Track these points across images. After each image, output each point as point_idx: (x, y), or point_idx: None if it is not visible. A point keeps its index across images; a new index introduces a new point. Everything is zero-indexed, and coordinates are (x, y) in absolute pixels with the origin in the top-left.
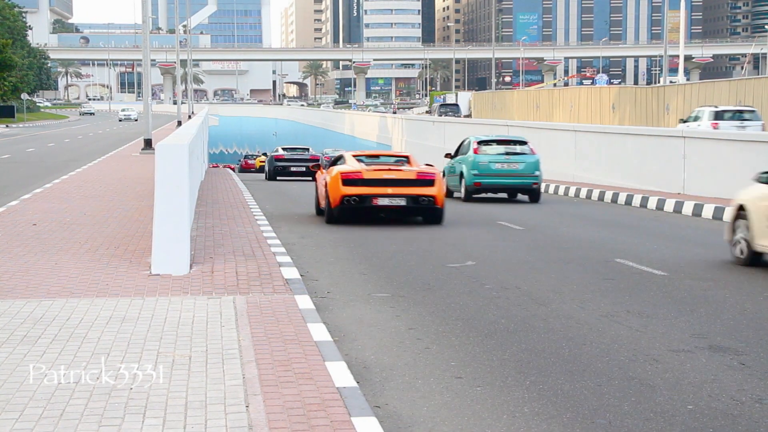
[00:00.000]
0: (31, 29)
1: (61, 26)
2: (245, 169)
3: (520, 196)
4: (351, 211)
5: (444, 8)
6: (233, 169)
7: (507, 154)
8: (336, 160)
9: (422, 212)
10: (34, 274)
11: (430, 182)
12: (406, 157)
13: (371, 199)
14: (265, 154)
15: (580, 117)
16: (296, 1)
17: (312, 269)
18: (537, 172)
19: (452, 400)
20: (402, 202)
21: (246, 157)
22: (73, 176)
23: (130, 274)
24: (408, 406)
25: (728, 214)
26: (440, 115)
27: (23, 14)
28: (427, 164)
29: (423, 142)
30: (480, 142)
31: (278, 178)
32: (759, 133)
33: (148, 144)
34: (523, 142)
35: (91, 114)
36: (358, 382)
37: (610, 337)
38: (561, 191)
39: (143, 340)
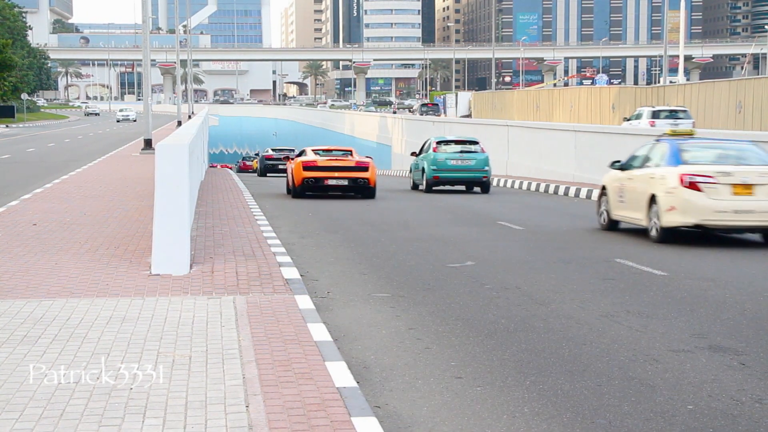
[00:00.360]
0: (31, 29)
1: (61, 26)
2: (243, 169)
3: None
4: (309, 188)
5: (444, 8)
6: (231, 169)
7: (462, 152)
8: (300, 153)
9: (360, 190)
10: (34, 274)
11: (365, 168)
12: (350, 150)
13: (323, 181)
14: (257, 155)
15: (580, 117)
16: (296, 1)
17: (312, 269)
18: (486, 167)
19: (452, 400)
20: (345, 182)
21: (244, 158)
22: (73, 176)
23: (130, 274)
24: (408, 406)
25: (596, 194)
26: (422, 114)
27: (23, 14)
28: (366, 156)
29: (423, 141)
30: (439, 142)
31: (267, 174)
32: (760, 133)
33: (148, 144)
34: (475, 142)
35: (96, 114)
36: (358, 382)
37: (610, 337)
38: (561, 191)
39: (143, 340)
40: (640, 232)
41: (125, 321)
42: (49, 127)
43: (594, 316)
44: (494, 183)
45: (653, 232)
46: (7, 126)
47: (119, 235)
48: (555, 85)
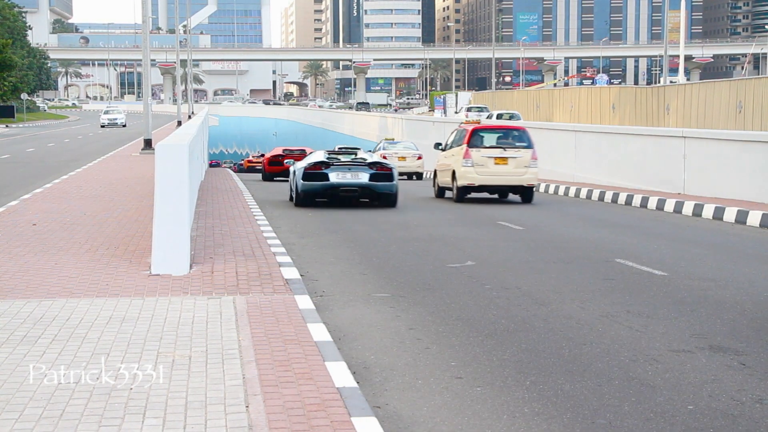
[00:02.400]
0: (31, 29)
1: (61, 26)
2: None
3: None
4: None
5: (444, 8)
6: (235, 170)
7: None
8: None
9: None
10: (34, 274)
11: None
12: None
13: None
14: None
15: (580, 117)
16: (296, 1)
17: (312, 269)
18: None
19: (452, 400)
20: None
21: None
22: (73, 176)
23: (130, 274)
24: (408, 406)
25: (596, 194)
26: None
27: (23, 14)
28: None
29: (423, 141)
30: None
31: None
32: (760, 133)
33: (148, 144)
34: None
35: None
36: (358, 383)
37: (610, 337)
38: (561, 191)
39: (143, 340)
40: (647, 234)
41: (125, 321)
42: (49, 127)
43: (594, 316)
44: None
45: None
46: (7, 126)
47: (119, 235)
48: (555, 85)
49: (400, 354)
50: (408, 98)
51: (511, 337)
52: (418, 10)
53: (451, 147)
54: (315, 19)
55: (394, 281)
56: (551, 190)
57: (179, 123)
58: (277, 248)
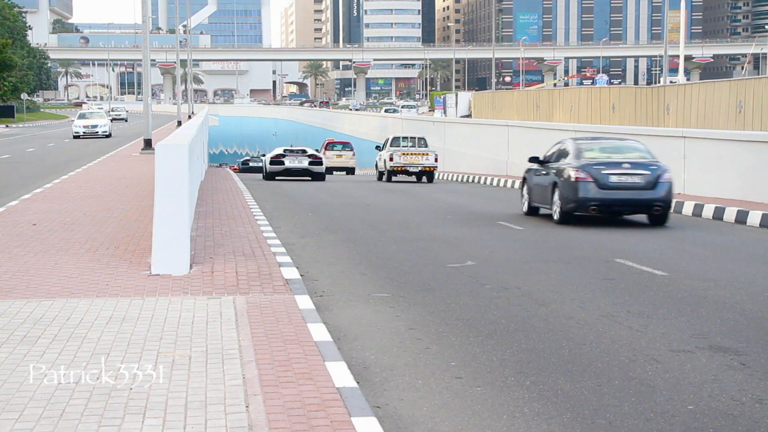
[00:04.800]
0: (31, 29)
1: (61, 26)
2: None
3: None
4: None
5: (444, 8)
6: (236, 170)
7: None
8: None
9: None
10: (34, 274)
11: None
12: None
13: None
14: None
15: (580, 117)
16: (296, 1)
17: (312, 269)
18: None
19: (452, 400)
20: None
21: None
22: (73, 176)
23: (130, 274)
24: (408, 406)
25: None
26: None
27: (23, 14)
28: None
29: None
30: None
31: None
32: (760, 134)
33: (148, 144)
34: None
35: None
36: (358, 382)
37: (610, 337)
38: None
39: (143, 340)
40: (643, 233)
41: (125, 321)
42: (49, 127)
43: (594, 316)
44: (494, 183)
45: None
46: (7, 126)
47: (119, 235)
48: (555, 85)
49: (400, 354)
50: (395, 100)
51: (511, 337)
52: (418, 10)
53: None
54: (315, 19)
55: (394, 281)
56: None
57: (179, 123)
58: (277, 248)
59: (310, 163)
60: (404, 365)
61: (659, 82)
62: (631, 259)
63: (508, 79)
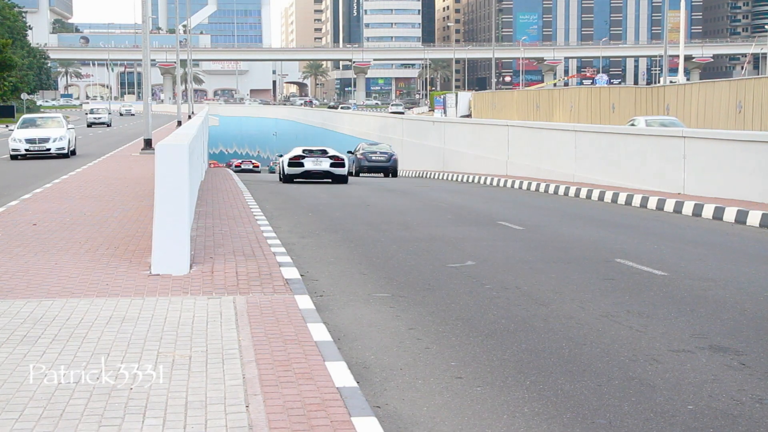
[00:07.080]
0: (31, 29)
1: (61, 26)
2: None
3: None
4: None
5: (444, 8)
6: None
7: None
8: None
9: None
10: (34, 274)
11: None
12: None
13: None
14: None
15: (580, 117)
16: (296, 1)
17: (312, 269)
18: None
19: (452, 400)
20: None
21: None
22: (73, 176)
23: (130, 274)
24: (408, 406)
25: (596, 194)
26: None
27: (23, 14)
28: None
29: (422, 142)
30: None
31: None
32: (760, 133)
33: (148, 144)
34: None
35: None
36: (358, 382)
37: (610, 337)
38: (561, 191)
39: (143, 340)
40: (643, 233)
41: (125, 321)
42: None
43: (594, 316)
44: (494, 183)
45: None
46: (7, 126)
47: (119, 235)
48: (555, 85)
49: (400, 354)
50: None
51: (511, 337)
52: (418, 10)
53: None
54: (315, 19)
55: (394, 281)
56: (551, 190)
57: (179, 123)
58: (277, 248)
59: (332, 165)
60: (404, 365)
61: (659, 82)
62: (631, 259)
63: (508, 79)
